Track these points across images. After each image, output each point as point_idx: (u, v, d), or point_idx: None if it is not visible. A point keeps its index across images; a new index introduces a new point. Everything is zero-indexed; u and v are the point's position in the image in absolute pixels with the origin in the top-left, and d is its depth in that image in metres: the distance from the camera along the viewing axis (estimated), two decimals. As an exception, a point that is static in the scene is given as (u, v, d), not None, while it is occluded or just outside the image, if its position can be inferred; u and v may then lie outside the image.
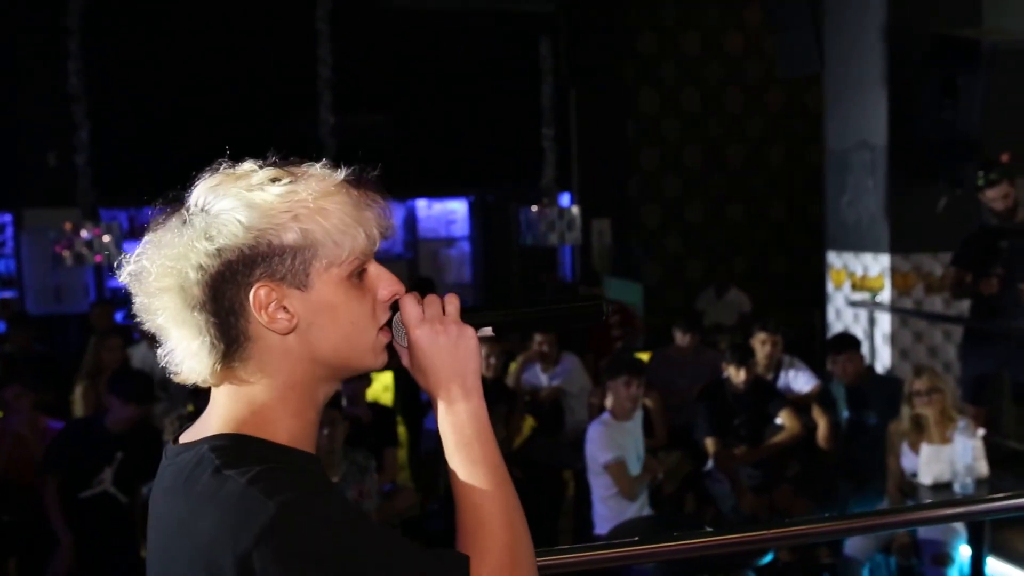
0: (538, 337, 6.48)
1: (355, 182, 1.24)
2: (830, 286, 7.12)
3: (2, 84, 9.72)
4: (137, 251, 1.22)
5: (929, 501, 4.42)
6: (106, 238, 7.86)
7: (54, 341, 9.08)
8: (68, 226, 7.90)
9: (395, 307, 1.29)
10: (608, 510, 4.89)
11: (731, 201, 10.66)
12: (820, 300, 7.34)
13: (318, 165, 1.24)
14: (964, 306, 6.03)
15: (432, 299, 1.29)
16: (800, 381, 6.16)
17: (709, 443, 5.61)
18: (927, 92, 6.17)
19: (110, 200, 9.27)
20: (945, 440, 4.70)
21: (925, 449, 4.72)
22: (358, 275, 1.24)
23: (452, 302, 1.29)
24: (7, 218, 10.26)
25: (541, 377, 6.55)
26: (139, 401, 4.85)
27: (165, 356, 1.24)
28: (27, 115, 9.73)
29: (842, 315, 6.95)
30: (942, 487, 4.61)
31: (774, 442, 5.62)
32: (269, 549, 1.07)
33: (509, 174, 10.38)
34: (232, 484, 1.11)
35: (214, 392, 1.26)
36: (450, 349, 1.27)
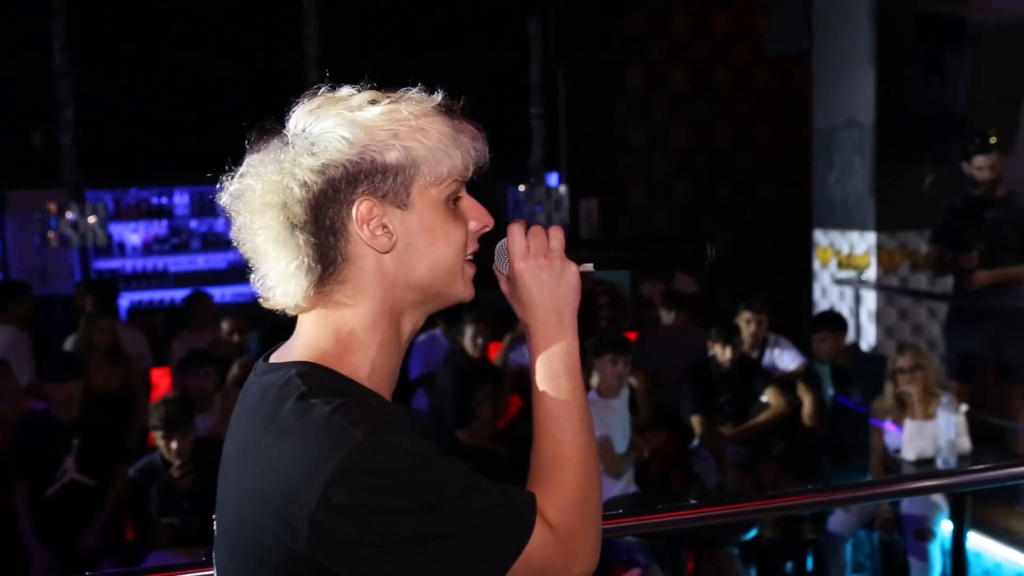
0: (525, 316, 6.47)
1: (449, 108, 1.26)
2: (817, 264, 7.13)
3: (-14, 63, 9.64)
4: (239, 172, 1.24)
5: (912, 473, 4.45)
6: (91, 219, 7.82)
7: (40, 322, 9.04)
8: (53, 207, 7.85)
9: (484, 239, 1.31)
10: (594, 487, 4.90)
11: (718, 180, 10.66)
12: (807, 278, 7.36)
13: (414, 89, 1.26)
14: (950, 283, 6.05)
15: (537, 231, 1.31)
16: (785, 359, 6.17)
17: (695, 421, 5.63)
18: (914, 70, 6.17)
19: (96, 181, 9.22)
20: (928, 416, 4.73)
21: (908, 425, 4.75)
22: (454, 201, 1.26)
23: (557, 236, 1.31)
24: (-8, 199, 10.20)
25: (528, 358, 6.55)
26: (71, 377, 4.78)
27: (258, 281, 1.25)
28: (11, 94, 9.65)
29: (828, 293, 6.98)
30: (925, 463, 4.64)
31: (759, 420, 5.64)
32: (353, 474, 1.09)
33: (496, 153, 10.29)
34: (318, 410, 1.12)
35: (302, 319, 1.27)
36: (552, 284, 1.29)
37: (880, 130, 6.47)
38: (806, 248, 7.38)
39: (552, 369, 1.29)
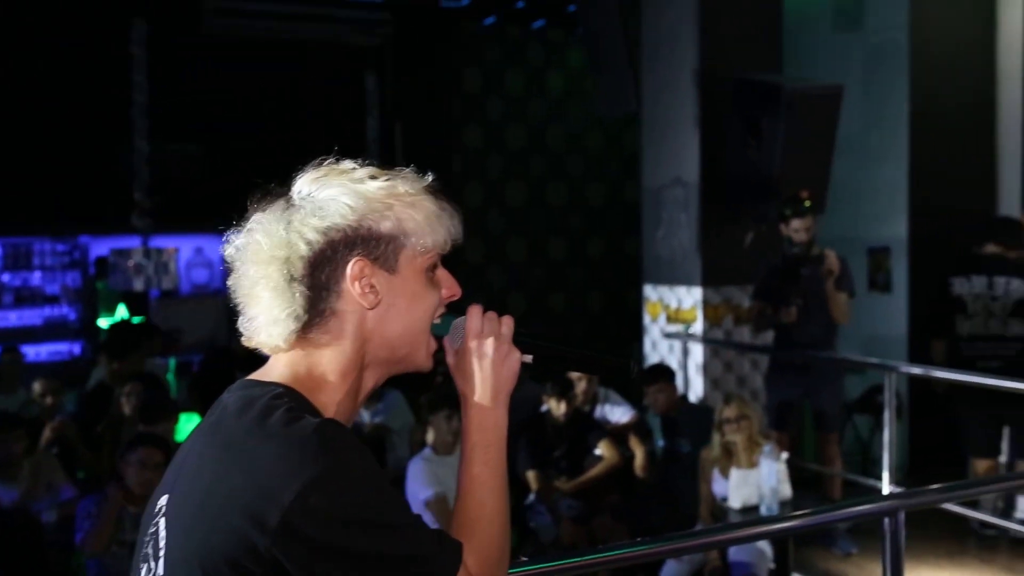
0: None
1: (435, 189, 1.44)
2: (647, 318, 7.35)
3: None
4: (247, 228, 1.38)
5: (738, 521, 4.59)
6: None
7: None
8: None
9: (450, 308, 1.47)
10: (431, 545, 4.83)
11: (552, 237, 10.89)
12: (638, 332, 7.56)
13: (407, 169, 1.44)
14: (771, 336, 6.33)
15: (492, 316, 1.47)
16: (616, 413, 6.30)
17: (530, 476, 5.66)
18: (734, 132, 6.49)
19: None
20: (752, 465, 4.91)
21: (734, 474, 4.91)
22: (431, 270, 1.42)
23: (508, 324, 1.48)
24: None
25: (364, 414, 6.45)
26: None
27: (245, 323, 1.38)
28: None
29: (658, 346, 7.19)
30: (750, 510, 4.80)
31: (593, 473, 5.72)
32: (331, 482, 1.21)
33: (332, 207, 10.20)
34: (306, 422, 1.25)
35: (274, 358, 1.40)
36: (497, 365, 1.46)
37: (704, 189, 6.76)
38: (637, 304, 7.59)
39: (486, 438, 1.45)
